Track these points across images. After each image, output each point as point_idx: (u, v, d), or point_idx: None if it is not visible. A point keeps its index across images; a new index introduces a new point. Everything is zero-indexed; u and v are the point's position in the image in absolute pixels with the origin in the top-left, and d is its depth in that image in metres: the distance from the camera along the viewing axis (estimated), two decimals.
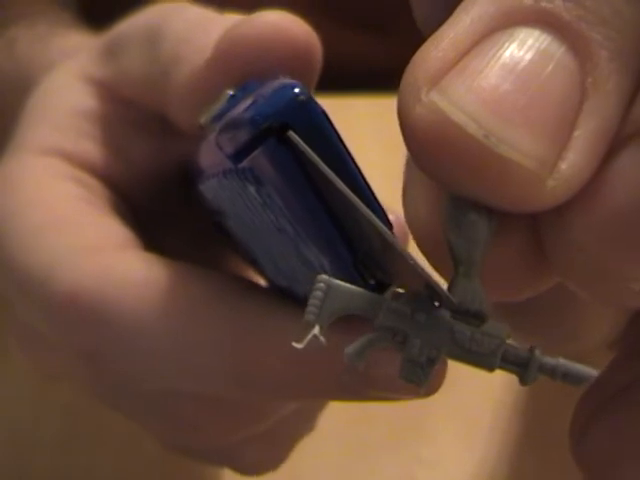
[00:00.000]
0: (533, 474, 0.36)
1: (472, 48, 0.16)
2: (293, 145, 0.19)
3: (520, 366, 0.19)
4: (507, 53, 0.16)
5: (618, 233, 0.16)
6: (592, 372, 0.19)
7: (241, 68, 0.24)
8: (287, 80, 0.20)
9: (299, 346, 0.18)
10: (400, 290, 0.19)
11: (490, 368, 0.18)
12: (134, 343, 0.24)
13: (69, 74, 0.29)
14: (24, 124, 0.29)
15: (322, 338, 0.18)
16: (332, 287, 0.18)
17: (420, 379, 0.18)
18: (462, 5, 0.17)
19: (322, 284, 0.18)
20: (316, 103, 0.19)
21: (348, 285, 0.18)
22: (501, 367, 0.18)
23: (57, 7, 0.45)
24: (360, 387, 0.23)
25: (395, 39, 0.53)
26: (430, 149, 0.16)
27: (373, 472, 0.36)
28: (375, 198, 0.20)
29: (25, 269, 0.25)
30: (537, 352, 0.19)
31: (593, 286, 0.17)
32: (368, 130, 0.46)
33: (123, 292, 0.24)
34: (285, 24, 0.25)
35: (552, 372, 0.19)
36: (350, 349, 0.18)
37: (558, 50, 0.16)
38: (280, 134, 0.19)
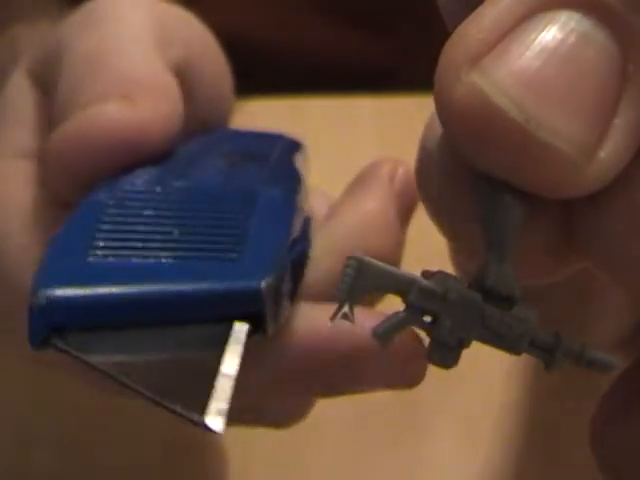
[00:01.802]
0: (534, 473, 0.36)
1: (513, 29, 0.16)
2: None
3: (546, 351, 0.18)
4: (549, 36, 0.16)
5: None
6: (617, 361, 0.19)
7: (78, 172, 0.24)
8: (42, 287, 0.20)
9: (330, 324, 0.18)
10: (432, 270, 0.18)
11: (517, 352, 0.18)
12: None
13: (19, 73, 0.29)
14: None
15: (351, 315, 0.18)
16: (364, 265, 0.18)
17: (449, 362, 0.18)
18: None
19: (354, 261, 0.18)
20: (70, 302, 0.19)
21: (380, 263, 0.18)
22: (527, 351, 0.18)
23: (59, 6, 0.45)
24: (348, 385, 0.23)
25: (395, 39, 0.53)
26: (470, 131, 0.16)
27: (373, 472, 0.36)
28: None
29: (17, 285, 0.25)
30: (564, 339, 0.18)
31: (622, 274, 0.17)
32: (368, 130, 0.46)
33: None
34: (113, 120, 0.24)
35: (578, 359, 0.19)
36: (378, 329, 0.18)
37: (600, 35, 0.16)
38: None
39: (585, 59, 0.16)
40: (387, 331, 0.18)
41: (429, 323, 0.18)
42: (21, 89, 0.29)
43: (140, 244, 0.21)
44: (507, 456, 0.36)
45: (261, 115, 0.42)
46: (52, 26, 0.40)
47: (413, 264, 0.26)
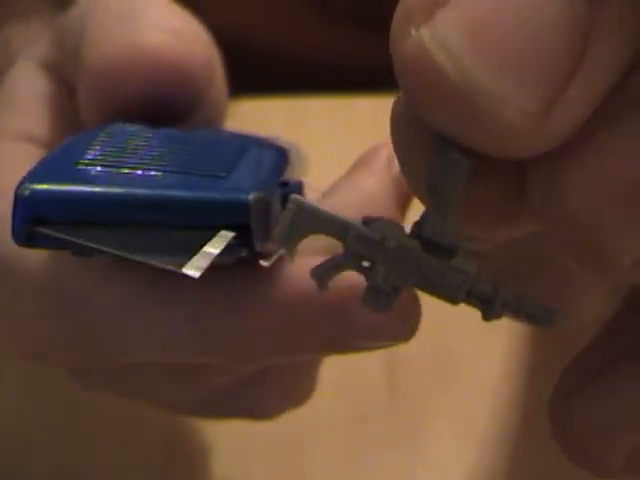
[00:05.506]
0: (534, 473, 0.36)
1: None
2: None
3: (484, 302, 0.18)
4: None
5: (609, 202, 0.15)
6: (559, 315, 0.19)
7: (120, 94, 0.24)
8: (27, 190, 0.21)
9: (266, 264, 0.19)
10: (371, 216, 0.19)
11: (454, 301, 0.18)
12: (115, 321, 0.24)
13: (28, 60, 0.29)
14: None
15: (290, 257, 0.18)
16: (303, 208, 0.18)
17: (383, 307, 0.18)
18: None
19: (292, 205, 0.18)
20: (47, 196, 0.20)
21: (320, 207, 0.18)
22: (465, 301, 0.18)
23: (52, 6, 0.45)
24: (344, 338, 0.23)
25: None
26: (415, 88, 0.15)
27: (373, 472, 0.36)
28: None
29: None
30: (502, 290, 0.18)
31: (567, 237, 0.16)
32: (368, 130, 0.46)
33: (95, 274, 0.23)
34: (164, 49, 0.23)
35: (516, 310, 0.19)
36: (317, 270, 0.18)
37: None
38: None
39: (546, 14, 0.14)
40: (325, 273, 0.18)
41: (367, 268, 0.18)
42: (26, 75, 0.29)
43: (129, 161, 0.22)
44: (507, 456, 0.36)
45: (260, 115, 0.42)
46: (47, 25, 0.40)
47: None
